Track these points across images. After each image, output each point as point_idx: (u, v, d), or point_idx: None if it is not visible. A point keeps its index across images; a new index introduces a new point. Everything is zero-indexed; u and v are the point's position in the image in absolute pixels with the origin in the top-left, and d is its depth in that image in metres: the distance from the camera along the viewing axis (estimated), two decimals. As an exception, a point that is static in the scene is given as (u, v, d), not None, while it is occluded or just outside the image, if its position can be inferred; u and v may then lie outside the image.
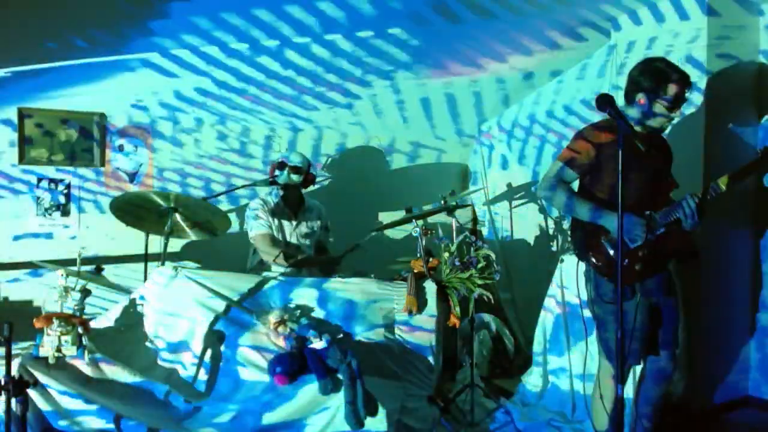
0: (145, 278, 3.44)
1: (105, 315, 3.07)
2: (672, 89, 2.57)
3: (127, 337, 2.96)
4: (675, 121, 2.72)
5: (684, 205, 2.52)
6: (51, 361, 2.56)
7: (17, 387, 2.07)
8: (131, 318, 3.02)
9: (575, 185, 2.77)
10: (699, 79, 3.34)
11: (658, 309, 2.67)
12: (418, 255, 3.27)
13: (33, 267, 3.82)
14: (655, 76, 2.59)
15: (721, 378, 3.63)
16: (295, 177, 3.81)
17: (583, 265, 2.74)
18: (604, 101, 2.30)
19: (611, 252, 2.56)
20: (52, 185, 3.95)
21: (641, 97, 2.61)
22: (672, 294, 2.72)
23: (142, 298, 3.04)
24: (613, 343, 2.32)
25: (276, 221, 3.83)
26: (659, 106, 2.58)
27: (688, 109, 3.34)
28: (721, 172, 2.60)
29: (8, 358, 2.11)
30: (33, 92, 3.79)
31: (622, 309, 2.21)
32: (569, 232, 2.79)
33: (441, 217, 3.98)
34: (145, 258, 3.67)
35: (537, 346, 3.73)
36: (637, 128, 2.64)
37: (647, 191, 2.59)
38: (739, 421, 3.50)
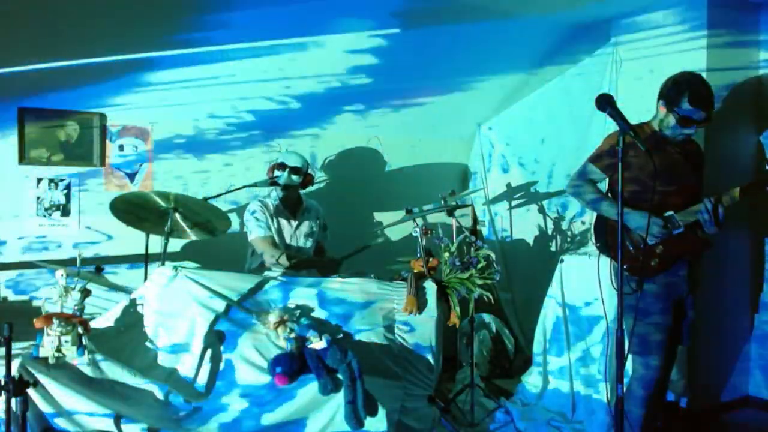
0: (145, 278, 3.44)
1: (105, 315, 3.07)
2: (685, 109, 2.61)
3: (127, 337, 2.96)
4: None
5: (702, 209, 2.58)
6: (51, 361, 2.56)
7: (17, 387, 2.07)
8: (131, 318, 3.01)
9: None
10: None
11: (682, 302, 2.75)
12: (418, 255, 3.27)
13: (33, 267, 3.82)
14: (676, 88, 2.63)
15: (721, 378, 3.63)
16: (294, 178, 3.81)
17: (604, 260, 2.82)
18: (604, 101, 2.33)
19: (631, 248, 2.68)
20: (52, 185, 3.95)
21: (661, 105, 2.71)
22: (692, 291, 2.78)
23: (142, 298, 3.04)
24: (633, 334, 2.48)
25: (275, 222, 3.83)
26: (672, 118, 2.63)
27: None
28: (720, 184, 2.64)
29: (8, 358, 2.11)
30: (33, 92, 3.78)
31: (622, 303, 2.27)
32: (593, 229, 2.85)
33: (441, 217, 3.98)
34: (146, 258, 3.66)
35: (537, 346, 3.74)
36: (667, 132, 2.71)
37: (670, 192, 2.64)
38: (739, 421, 3.51)
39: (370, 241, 3.82)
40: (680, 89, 2.63)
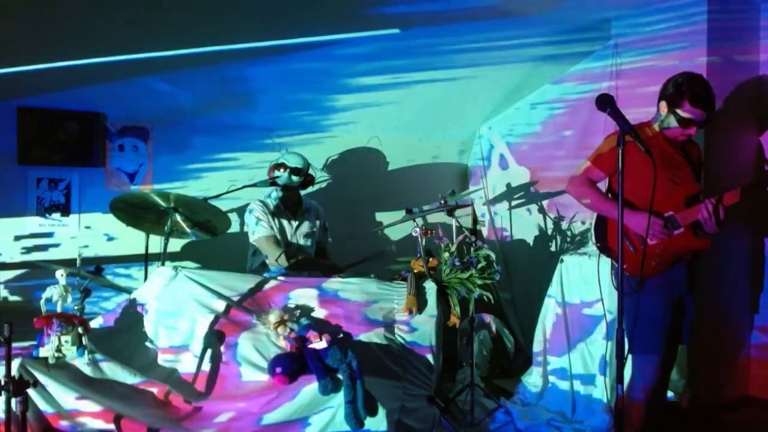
0: (145, 278, 3.44)
1: (105, 315, 3.07)
2: (686, 110, 2.61)
3: (127, 337, 2.96)
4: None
5: (702, 208, 2.58)
6: (51, 361, 2.56)
7: (17, 387, 2.07)
8: (131, 318, 3.01)
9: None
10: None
11: (682, 302, 2.74)
12: (418, 255, 3.27)
13: (33, 267, 3.82)
14: (677, 88, 2.64)
15: (721, 378, 3.63)
16: (294, 178, 3.81)
17: (604, 260, 2.82)
18: (604, 101, 2.33)
19: (631, 248, 2.67)
20: (52, 185, 3.95)
21: (662, 105, 2.71)
22: (691, 290, 2.77)
23: (142, 298, 3.04)
24: (633, 333, 2.48)
25: (276, 222, 3.83)
26: (672, 119, 2.64)
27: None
28: (720, 184, 2.64)
29: (8, 358, 2.11)
30: (33, 92, 3.78)
31: (622, 303, 2.33)
32: (593, 229, 2.85)
33: (441, 217, 3.98)
34: (146, 258, 3.66)
35: (537, 346, 3.74)
36: (667, 132, 2.72)
37: (670, 192, 2.64)
38: (739, 421, 3.51)
39: (371, 247, 3.79)
40: (681, 90, 2.63)
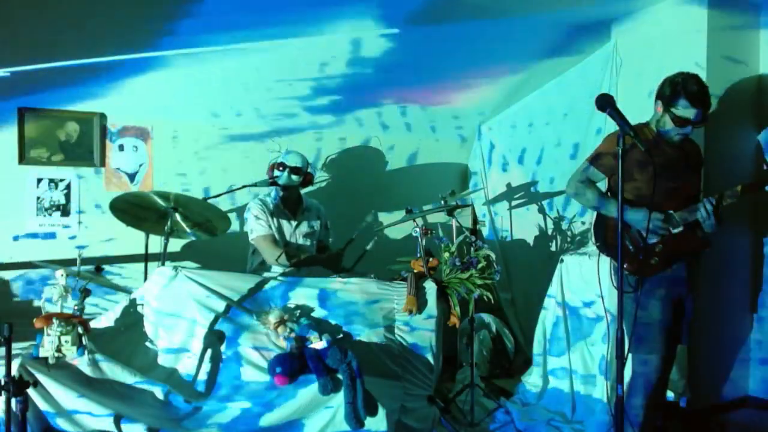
0: (145, 278, 3.44)
1: (105, 315, 3.07)
2: (681, 109, 2.61)
3: (127, 337, 2.96)
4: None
5: (701, 207, 2.58)
6: (51, 361, 2.56)
7: (17, 387, 2.08)
8: (131, 318, 3.01)
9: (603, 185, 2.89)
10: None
11: (682, 302, 2.74)
12: (418, 255, 3.27)
13: (33, 267, 3.82)
14: (672, 87, 2.64)
15: (721, 378, 3.63)
16: (294, 177, 3.81)
17: (604, 260, 2.82)
18: (604, 101, 2.34)
19: (631, 247, 2.68)
20: (52, 185, 3.95)
21: (658, 105, 2.73)
22: (691, 290, 2.77)
23: (142, 298, 3.04)
24: (633, 333, 2.50)
25: (276, 222, 3.83)
26: (668, 118, 2.64)
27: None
28: (720, 184, 2.64)
29: (8, 358, 2.11)
30: (33, 92, 3.78)
31: (622, 303, 2.34)
32: (593, 228, 2.85)
33: (441, 217, 3.98)
34: (146, 258, 3.66)
35: (537, 346, 3.74)
36: (664, 132, 2.73)
37: (669, 191, 2.64)
38: (739, 421, 3.51)
39: (368, 241, 3.78)
40: (676, 89, 2.63)
